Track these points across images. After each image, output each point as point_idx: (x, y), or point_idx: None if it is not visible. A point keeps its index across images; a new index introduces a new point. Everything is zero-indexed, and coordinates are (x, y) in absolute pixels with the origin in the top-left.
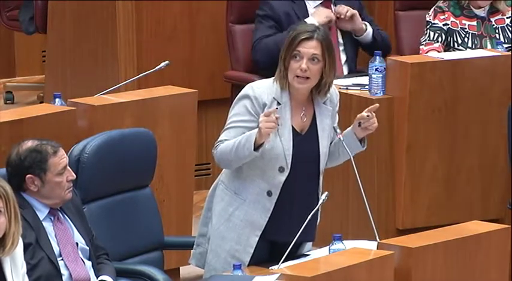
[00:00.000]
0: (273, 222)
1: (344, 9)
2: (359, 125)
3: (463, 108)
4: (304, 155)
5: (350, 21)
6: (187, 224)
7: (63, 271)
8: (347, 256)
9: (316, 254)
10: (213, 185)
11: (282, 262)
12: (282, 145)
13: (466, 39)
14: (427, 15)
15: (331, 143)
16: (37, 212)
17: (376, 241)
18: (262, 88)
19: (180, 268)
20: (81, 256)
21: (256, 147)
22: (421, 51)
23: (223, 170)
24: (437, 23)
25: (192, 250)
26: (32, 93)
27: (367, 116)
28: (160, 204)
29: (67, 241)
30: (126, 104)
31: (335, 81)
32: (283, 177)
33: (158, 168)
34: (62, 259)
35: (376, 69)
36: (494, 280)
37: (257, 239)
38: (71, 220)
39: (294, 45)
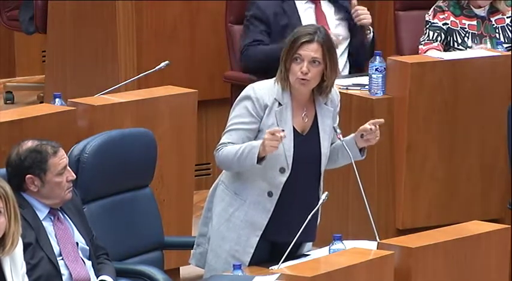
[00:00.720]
0: (274, 222)
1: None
2: (361, 136)
3: (463, 108)
4: (305, 156)
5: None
6: (187, 224)
7: (63, 270)
8: (347, 256)
9: (316, 254)
10: (213, 186)
11: (282, 262)
12: (283, 146)
13: (466, 38)
14: (426, 15)
15: (331, 144)
16: (37, 212)
17: (376, 241)
18: (264, 89)
19: (180, 268)
20: (81, 255)
21: (259, 159)
22: (420, 51)
23: (223, 170)
24: (436, 23)
25: (192, 250)
26: (32, 93)
27: (371, 129)
28: (160, 204)
29: (67, 240)
30: (126, 104)
31: (335, 81)
32: (284, 177)
33: (158, 168)
34: (62, 259)
35: (376, 69)
36: (494, 280)
37: (257, 239)
38: (71, 220)
39: (295, 48)
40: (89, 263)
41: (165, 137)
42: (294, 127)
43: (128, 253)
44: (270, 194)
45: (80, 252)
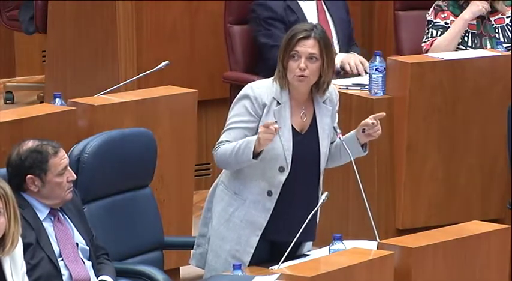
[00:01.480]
0: (273, 222)
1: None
2: (363, 131)
3: (463, 108)
4: (304, 155)
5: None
6: (187, 224)
7: (63, 271)
8: (347, 256)
9: (316, 254)
10: (212, 186)
11: (282, 262)
12: (282, 145)
13: (465, 38)
14: (427, 15)
15: (332, 143)
16: (37, 212)
17: (376, 241)
18: (262, 88)
19: (180, 268)
20: (81, 256)
21: (256, 154)
22: (425, 47)
23: (223, 170)
24: (439, 22)
25: (192, 251)
26: (32, 93)
27: (372, 123)
28: (160, 204)
29: (67, 241)
30: (126, 104)
31: (335, 81)
32: (283, 177)
33: (158, 168)
34: (62, 259)
35: (376, 69)
36: (494, 280)
37: (257, 239)
38: (71, 220)
39: (292, 45)
40: (88, 263)
41: (165, 137)
42: (292, 126)
43: (128, 253)
44: (269, 193)
45: (79, 252)
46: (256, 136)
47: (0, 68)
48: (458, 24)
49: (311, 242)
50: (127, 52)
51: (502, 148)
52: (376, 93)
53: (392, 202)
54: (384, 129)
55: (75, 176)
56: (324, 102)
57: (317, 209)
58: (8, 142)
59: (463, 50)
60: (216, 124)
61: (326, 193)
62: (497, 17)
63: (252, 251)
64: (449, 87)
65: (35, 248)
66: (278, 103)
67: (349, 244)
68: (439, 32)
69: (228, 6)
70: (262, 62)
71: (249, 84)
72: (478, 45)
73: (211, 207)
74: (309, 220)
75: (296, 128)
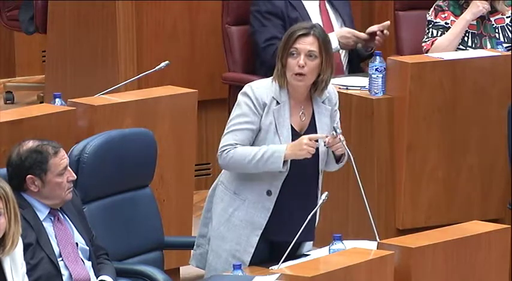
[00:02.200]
0: (273, 222)
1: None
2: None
3: (463, 108)
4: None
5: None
6: (187, 224)
7: (63, 271)
8: (347, 256)
9: (316, 254)
10: (212, 186)
11: (282, 262)
12: (281, 144)
13: (465, 38)
14: (427, 15)
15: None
16: (37, 212)
17: (376, 241)
18: (262, 88)
19: (180, 268)
20: (81, 256)
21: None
22: (425, 47)
23: (223, 170)
24: (439, 21)
25: (192, 251)
26: (32, 93)
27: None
28: (160, 204)
29: (67, 241)
30: (126, 104)
31: (335, 81)
32: (282, 176)
33: (158, 168)
34: (62, 259)
35: (376, 69)
36: (494, 280)
37: (257, 239)
38: (71, 220)
39: (291, 42)
40: (88, 263)
41: (165, 137)
42: (291, 126)
43: (128, 253)
44: (269, 193)
45: (79, 252)
46: (283, 145)
47: (0, 68)
48: (460, 24)
49: (311, 242)
50: (127, 52)
51: (502, 148)
52: (376, 93)
53: (392, 202)
54: (384, 129)
55: (75, 176)
56: (323, 102)
57: (317, 209)
58: (8, 142)
59: (463, 50)
60: (216, 124)
61: (326, 193)
62: (497, 17)
63: (252, 250)
64: (449, 87)
65: (35, 248)
66: (277, 103)
67: (349, 244)
68: (439, 32)
69: (226, 7)
70: (259, 61)
71: (248, 84)
72: (478, 45)
73: (211, 207)
74: (309, 220)
75: (295, 128)
